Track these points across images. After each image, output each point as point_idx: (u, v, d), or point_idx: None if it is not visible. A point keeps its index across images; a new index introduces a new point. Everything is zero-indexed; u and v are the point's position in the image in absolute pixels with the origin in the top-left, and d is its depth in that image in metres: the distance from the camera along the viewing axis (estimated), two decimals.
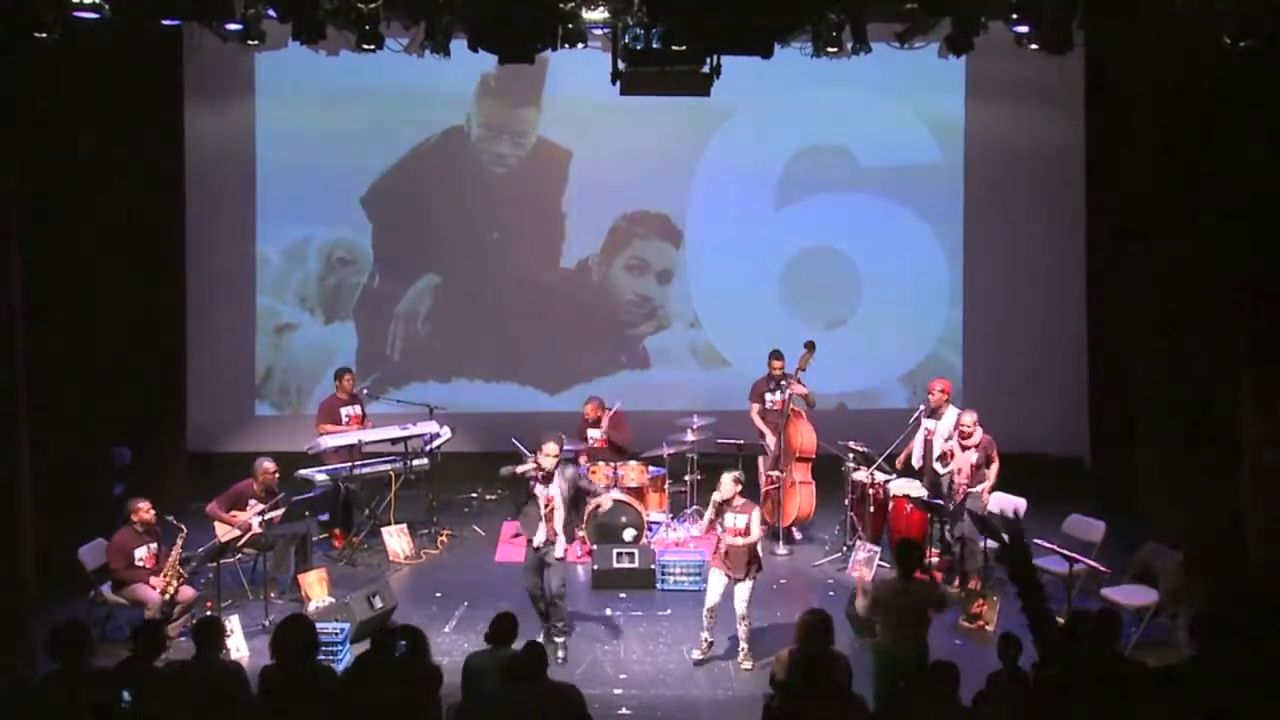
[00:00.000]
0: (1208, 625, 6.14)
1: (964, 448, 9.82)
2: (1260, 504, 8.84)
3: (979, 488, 9.80)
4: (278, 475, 9.88)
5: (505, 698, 6.08)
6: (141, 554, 8.78)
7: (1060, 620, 6.48)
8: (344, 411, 11.12)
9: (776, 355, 11.00)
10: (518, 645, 6.44)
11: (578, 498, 9.76)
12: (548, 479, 8.61)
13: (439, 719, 6.33)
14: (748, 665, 8.56)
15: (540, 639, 7.58)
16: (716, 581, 8.61)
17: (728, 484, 8.52)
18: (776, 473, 10.95)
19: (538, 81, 12.82)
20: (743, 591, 8.54)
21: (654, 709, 7.98)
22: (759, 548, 8.72)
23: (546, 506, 8.58)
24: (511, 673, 6.14)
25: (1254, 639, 6.29)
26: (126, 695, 5.87)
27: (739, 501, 8.53)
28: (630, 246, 13.29)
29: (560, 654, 8.57)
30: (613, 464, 11.13)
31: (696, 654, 8.69)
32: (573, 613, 9.17)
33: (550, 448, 8.59)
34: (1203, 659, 6.08)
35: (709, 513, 8.61)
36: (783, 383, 10.91)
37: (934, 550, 10.21)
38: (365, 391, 11.72)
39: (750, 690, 8.04)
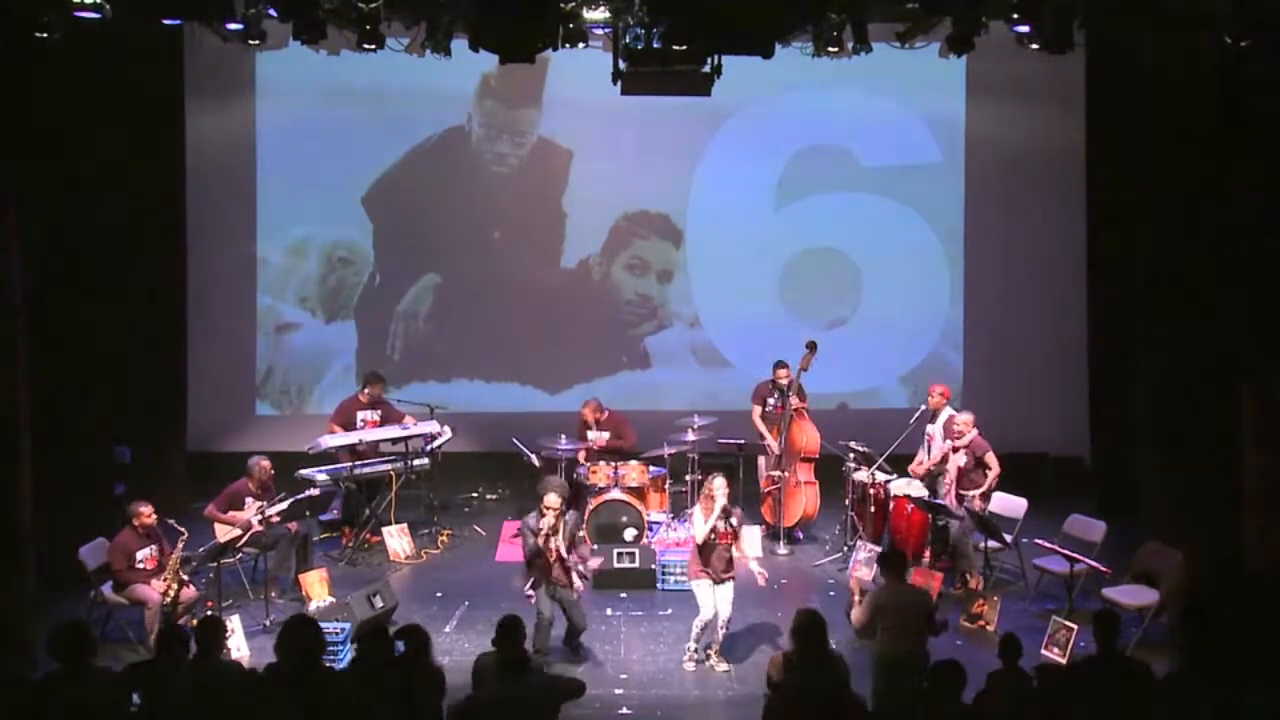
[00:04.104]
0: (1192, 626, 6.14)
1: (954, 449, 9.82)
2: (1260, 504, 8.85)
3: (972, 493, 9.78)
4: (270, 473, 9.88)
5: (495, 691, 6.14)
6: (143, 555, 8.78)
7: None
8: (360, 415, 11.10)
9: (781, 365, 10.99)
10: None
11: (576, 496, 10.06)
12: (555, 530, 8.59)
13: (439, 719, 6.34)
14: (724, 668, 8.53)
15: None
16: (706, 592, 8.54)
17: (723, 489, 8.47)
18: (778, 473, 10.96)
19: (538, 81, 12.83)
20: (728, 593, 8.54)
21: (654, 709, 7.98)
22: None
23: (553, 555, 8.58)
24: (502, 667, 6.19)
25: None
26: (136, 698, 5.87)
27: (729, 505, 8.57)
28: (630, 246, 13.29)
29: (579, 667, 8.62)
30: (613, 464, 11.14)
31: (690, 665, 8.64)
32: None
33: (552, 499, 8.62)
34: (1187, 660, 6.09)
35: (713, 521, 8.43)
36: (786, 390, 10.91)
37: (934, 550, 10.22)
38: (398, 402, 11.60)
39: (750, 690, 8.05)
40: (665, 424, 11.49)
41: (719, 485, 8.47)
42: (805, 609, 6.48)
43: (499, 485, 12.62)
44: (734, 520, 8.55)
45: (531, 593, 8.79)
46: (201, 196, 12.20)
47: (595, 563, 9.12)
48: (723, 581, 8.53)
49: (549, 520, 8.58)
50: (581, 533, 9.06)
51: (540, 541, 8.56)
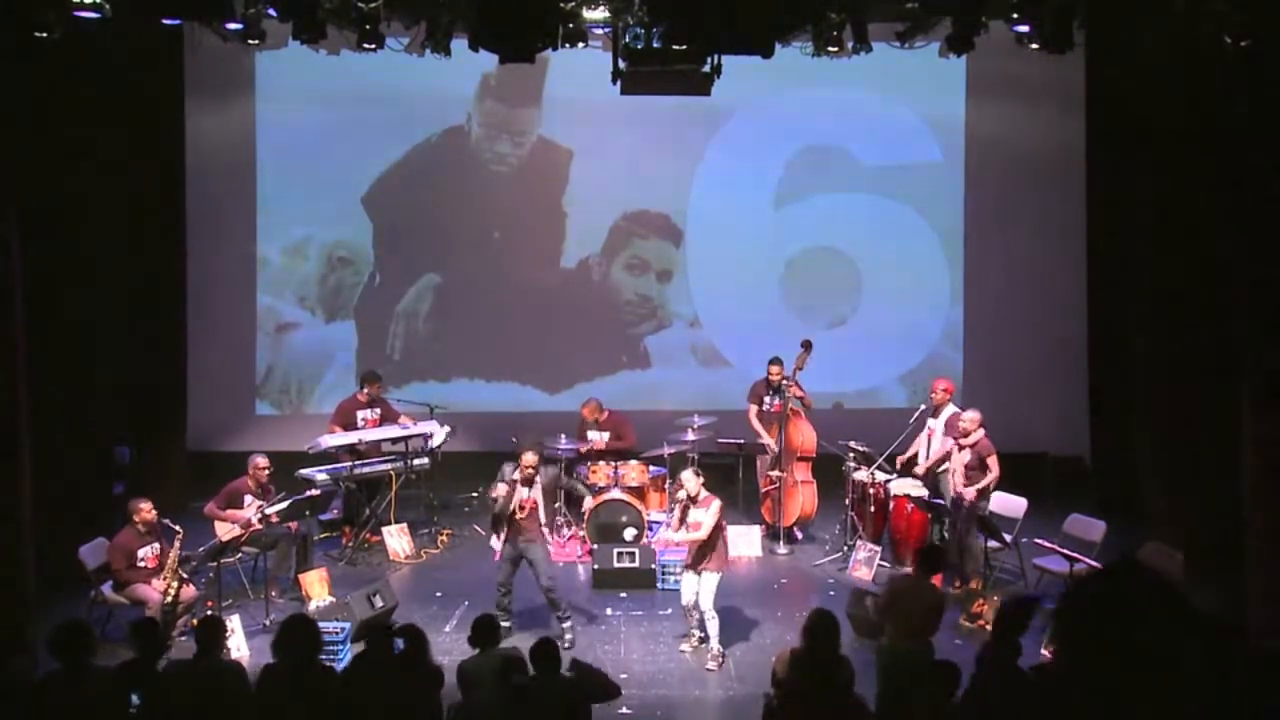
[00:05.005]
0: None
1: (959, 447, 9.83)
2: (1260, 504, 8.84)
3: (970, 490, 9.77)
4: (269, 471, 9.87)
5: (504, 693, 6.11)
6: (144, 554, 8.77)
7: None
8: (360, 415, 11.11)
9: (775, 361, 11.00)
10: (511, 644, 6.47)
11: (568, 497, 10.39)
12: (529, 482, 8.80)
13: (440, 718, 6.34)
14: (712, 666, 8.52)
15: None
16: (688, 579, 8.69)
17: (691, 480, 8.58)
18: (777, 473, 10.95)
19: (538, 81, 12.82)
20: (707, 584, 8.53)
21: (654, 709, 7.98)
22: (744, 540, 8.65)
23: (524, 509, 8.76)
24: (510, 670, 6.17)
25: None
26: (135, 699, 5.86)
27: (702, 495, 8.60)
28: (630, 246, 13.29)
29: (568, 638, 8.73)
30: (613, 464, 11.15)
31: (686, 648, 8.76)
32: (573, 612, 9.22)
33: (529, 457, 8.82)
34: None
35: (677, 513, 8.63)
36: (782, 385, 10.91)
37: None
38: (398, 402, 11.66)
39: (750, 690, 8.03)
40: (665, 424, 11.49)
41: (683, 478, 8.66)
42: (820, 609, 6.50)
43: (499, 485, 12.59)
44: (695, 512, 8.55)
45: (497, 548, 8.93)
46: (201, 196, 12.21)
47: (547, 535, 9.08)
48: (697, 571, 8.58)
49: (502, 490, 8.79)
50: (558, 504, 9.22)
51: (507, 491, 8.73)
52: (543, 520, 8.88)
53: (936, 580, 8.54)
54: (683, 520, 8.59)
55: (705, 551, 8.56)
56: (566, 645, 8.63)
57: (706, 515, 8.53)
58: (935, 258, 13.18)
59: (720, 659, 8.56)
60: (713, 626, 8.55)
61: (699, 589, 8.56)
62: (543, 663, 6.17)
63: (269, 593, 9.37)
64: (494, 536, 9.03)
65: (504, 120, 13.10)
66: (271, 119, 12.82)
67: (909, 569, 7.67)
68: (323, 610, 8.92)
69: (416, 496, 11.60)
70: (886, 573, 10.06)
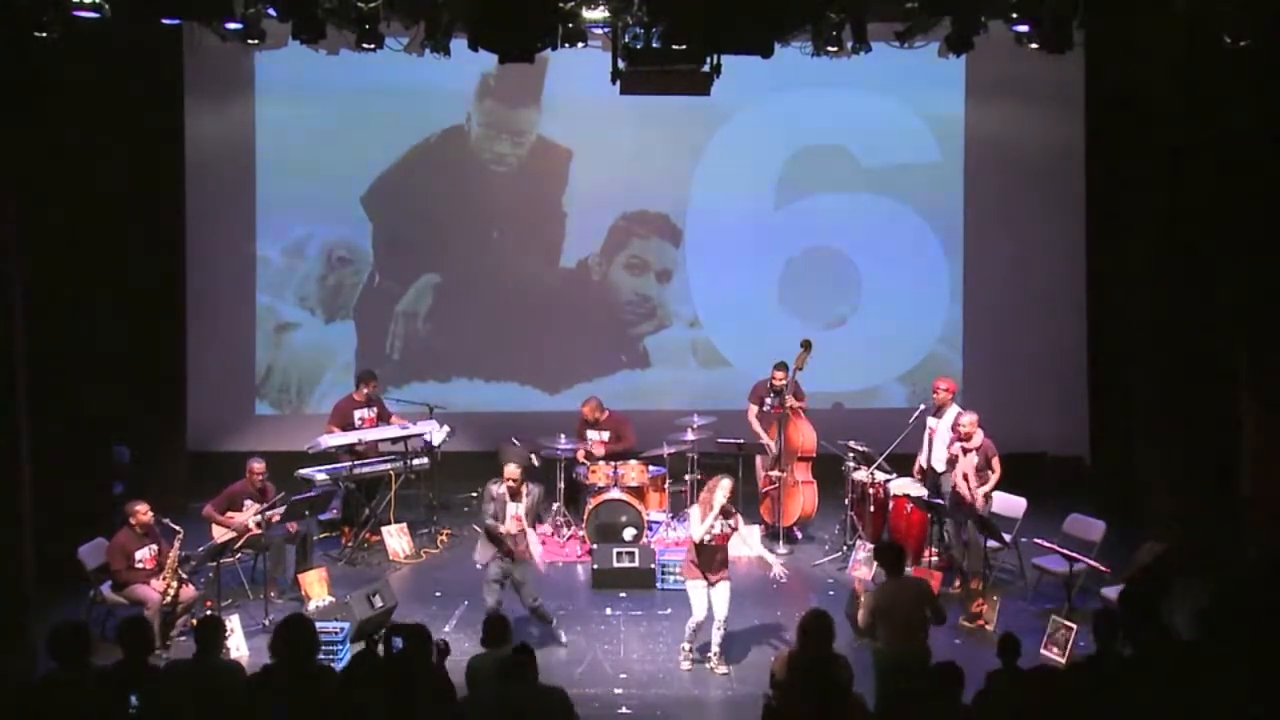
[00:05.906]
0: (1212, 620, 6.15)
1: (964, 450, 9.81)
2: (1259, 503, 8.86)
3: (981, 491, 9.76)
4: (263, 476, 9.83)
5: (496, 697, 6.10)
6: (142, 555, 8.77)
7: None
8: (358, 414, 11.11)
9: (780, 366, 10.95)
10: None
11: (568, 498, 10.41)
12: (515, 495, 8.79)
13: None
14: (724, 670, 8.48)
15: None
16: (700, 593, 8.49)
17: (725, 490, 8.43)
18: (776, 473, 10.95)
19: (538, 81, 12.82)
20: (724, 592, 8.48)
21: (654, 709, 7.99)
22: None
23: (518, 526, 8.76)
24: (502, 673, 6.16)
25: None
26: (134, 700, 5.86)
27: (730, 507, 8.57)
28: (630, 246, 13.28)
29: (563, 639, 8.77)
30: (612, 463, 11.15)
31: (686, 664, 8.61)
32: (573, 612, 9.23)
33: (510, 469, 8.84)
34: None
35: (710, 520, 8.38)
36: (782, 390, 10.89)
37: (934, 550, 10.22)
38: (398, 402, 11.70)
39: (750, 690, 8.04)
40: (665, 424, 11.49)
41: (722, 486, 8.42)
42: (815, 609, 6.48)
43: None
44: (732, 523, 8.54)
45: (482, 564, 8.82)
46: (201, 196, 12.20)
47: (538, 551, 8.97)
48: (717, 583, 8.49)
49: (507, 489, 8.78)
50: (558, 503, 9.19)
51: (496, 509, 8.73)
52: (530, 539, 8.82)
53: (915, 573, 8.55)
54: (714, 525, 8.48)
55: (726, 560, 8.53)
56: (563, 642, 8.75)
57: (739, 526, 8.61)
58: (935, 258, 13.17)
59: (724, 663, 8.54)
60: (718, 635, 8.50)
61: (718, 599, 8.45)
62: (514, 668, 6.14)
63: (268, 593, 9.38)
64: (481, 547, 8.91)
65: (504, 120, 13.10)
66: (271, 119, 12.81)
67: (884, 579, 7.61)
68: (322, 610, 8.92)
69: (416, 496, 11.60)
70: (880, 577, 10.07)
